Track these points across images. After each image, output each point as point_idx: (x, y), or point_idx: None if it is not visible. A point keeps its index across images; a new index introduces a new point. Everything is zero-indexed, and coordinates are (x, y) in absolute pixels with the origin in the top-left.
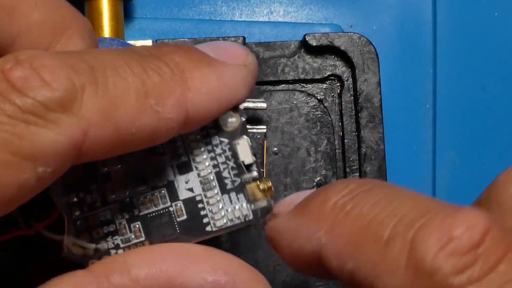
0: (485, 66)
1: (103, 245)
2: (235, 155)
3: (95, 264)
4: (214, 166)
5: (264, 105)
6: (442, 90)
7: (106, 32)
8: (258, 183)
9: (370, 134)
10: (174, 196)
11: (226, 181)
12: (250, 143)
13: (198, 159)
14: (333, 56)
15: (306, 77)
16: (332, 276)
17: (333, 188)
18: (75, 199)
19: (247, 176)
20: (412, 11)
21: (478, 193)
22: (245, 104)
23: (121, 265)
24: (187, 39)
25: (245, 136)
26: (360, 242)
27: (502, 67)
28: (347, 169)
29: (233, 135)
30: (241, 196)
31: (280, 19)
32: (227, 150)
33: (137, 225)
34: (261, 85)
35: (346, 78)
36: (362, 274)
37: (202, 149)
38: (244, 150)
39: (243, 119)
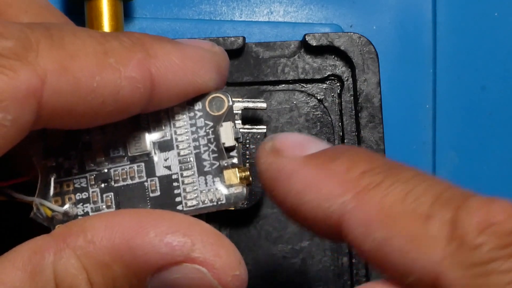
0: (485, 66)
1: (72, 211)
2: (217, 139)
3: (57, 229)
4: (195, 147)
5: (264, 105)
6: (442, 90)
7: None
8: (237, 170)
9: (370, 134)
10: (151, 172)
11: (205, 163)
12: (235, 128)
13: (180, 138)
14: (333, 56)
15: (306, 77)
16: (339, 239)
17: (359, 157)
18: (53, 164)
19: (226, 161)
20: (412, 11)
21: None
22: (245, 104)
23: (79, 227)
24: (187, 39)
25: (229, 121)
26: (395, 214)
27: (502, 67)
28: None
29: (219, 120)
30: (217, 179)
31: (280, 19)
32: (210, 133)
33: (110, 196)
34: (261, 85)
35: (346, 78)
36: (395, 245)
37: (186, 130)
38: (227, 132)
39: (230, 104)
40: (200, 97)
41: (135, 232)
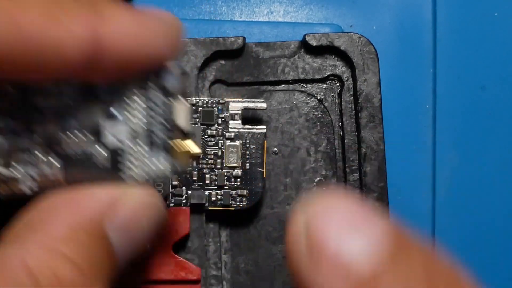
0: (485, 66)
1: (17, 172)
2: (169, 115)
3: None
4: (146, 120)
5: (264, 105)
6: (442, 90)
7: None
8: (182, 144)
9: (370, 134)
10: (100, 141)
11: (153, 136)
12: (188, 106)
13: (132, 110)
14: (333, 56)
15: (306, 77)
16: None
17: (357, 255)
18: (0, 125)
19: (173, 135)
20: (412, 11)
21: (478, 193)
22: (245, 104)
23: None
24: (187, 39)
25: (183, 99)
26: None
27: (502, 67)
28: (347, 169)
29: (173, 96)
30: (162, 153)
31: (280, 19)
32: (163, 108)
33: (57, 162)
34: (261, 85)
35: (346, 78)
36: None
37: (139, 101)
38: (180, 113)
39: (187, 84)
40: (156, 68)
41: (76, 204)
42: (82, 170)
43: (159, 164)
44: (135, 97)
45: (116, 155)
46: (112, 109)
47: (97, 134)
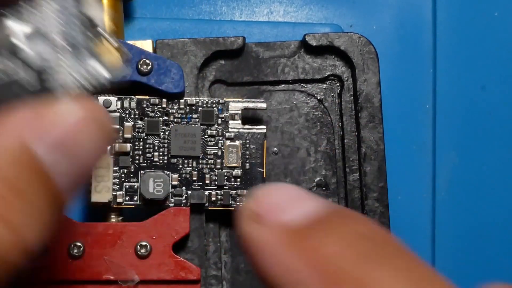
0: (485, 66)
1: None
2: (83, 13)
3: None
4: (60, 25)
5: (264, 105)
6: (442, 90)
7: None
8: (109, 44)
9: (370, 134)
10: (19, 60)
11: (73, 41)
12: (100, 5)
13: (43, 20)
14: (333, 56)
15: (306, 77)
16: None
17: (341, 234)
18: None
19: (92, 33)
20: (412, 11)
21: (478, 193)
22: (245, 104)
23: None
24: (187, 39)
25: None
26: None
27: (502, 67)
28: (347, 169)
29: None
30: (86, 56)
31: (280, 19)
32: (75, 6)
33: None
34: (261, 85)
35: (346, 78)
36: None
37: (49, 6)
38: (92, 5)
39: None
40: None
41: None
42: (9, 97)
43: (87, 68)
44: (42, 4)
45: (41, 71)
46: (21, 20)
47: (14, 53)
